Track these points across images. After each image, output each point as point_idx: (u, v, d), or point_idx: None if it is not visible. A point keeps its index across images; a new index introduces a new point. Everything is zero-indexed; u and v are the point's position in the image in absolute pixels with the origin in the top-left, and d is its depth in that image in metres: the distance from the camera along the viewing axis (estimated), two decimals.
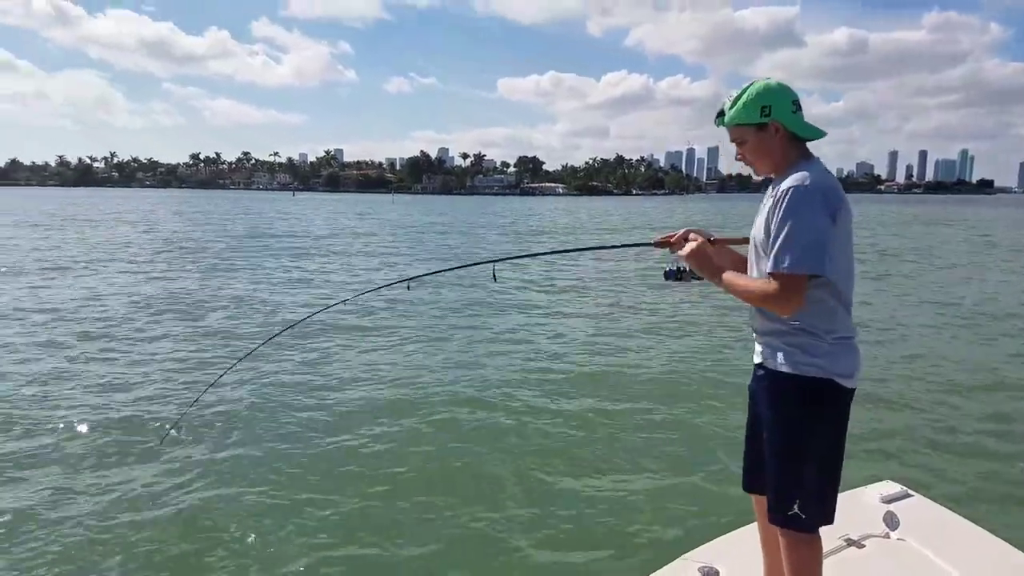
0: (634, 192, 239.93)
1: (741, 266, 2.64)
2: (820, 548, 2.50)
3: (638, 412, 7.39)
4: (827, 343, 2.37)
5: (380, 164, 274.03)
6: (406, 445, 6.32)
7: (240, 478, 5.52)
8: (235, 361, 4.04)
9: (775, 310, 2.35)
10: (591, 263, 21.26)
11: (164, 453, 5.93)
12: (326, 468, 5.74)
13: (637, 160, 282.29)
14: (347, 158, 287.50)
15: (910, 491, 3.70)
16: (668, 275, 2.73)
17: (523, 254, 4.42)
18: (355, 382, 8.18)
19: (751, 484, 2.72)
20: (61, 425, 6.69)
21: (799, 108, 2.45)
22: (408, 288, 3.55)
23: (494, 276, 3.31)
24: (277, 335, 4.82)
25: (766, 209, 2.41)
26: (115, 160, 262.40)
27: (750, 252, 2.57)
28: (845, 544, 3.18)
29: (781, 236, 2.28)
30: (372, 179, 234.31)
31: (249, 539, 4.62)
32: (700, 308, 13.65)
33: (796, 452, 2.41)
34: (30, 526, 4.79)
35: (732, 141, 2.53)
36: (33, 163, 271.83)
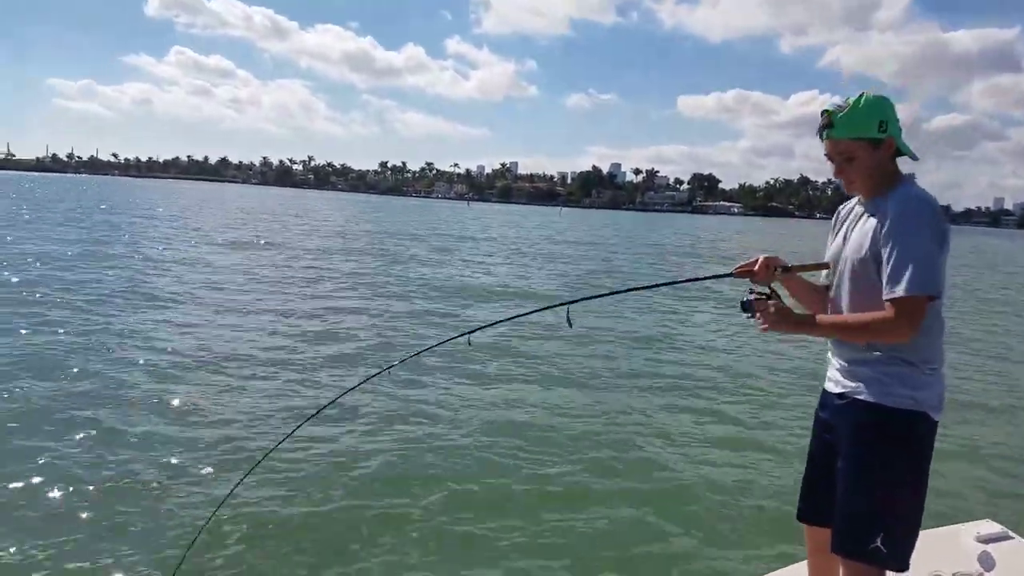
0: (817, 216, 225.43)
1: (816, 295, 2.58)
2: None
3: (709, 435, 7.26)
4: (924, 373, 2.27)
5: (552, 177, 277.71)
6: (509, 452, 6.35)
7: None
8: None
9: (895, 338, 2.21)
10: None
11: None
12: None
13: (824, 183, 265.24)
14: (521, 170, 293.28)
15: (1010, 533, 3.54)
16: (745, 306, 2.51)
17: (597, 294, 3.73)
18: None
19: (808, 514, 2.63)
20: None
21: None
22: (469, 343, 3.18)
23: (569, 322, 2.95)
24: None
25: (866, 228, 2.30)
26: (312, 164, 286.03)
27: (841, 276, 2.41)
28: None
29: (899, 257, 2.15)
30: (543, 192, 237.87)
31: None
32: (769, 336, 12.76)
33: (884, 487, 2.29)
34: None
35: (835, 155, 2.34)
36: (240, 162, 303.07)
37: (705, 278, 3.06)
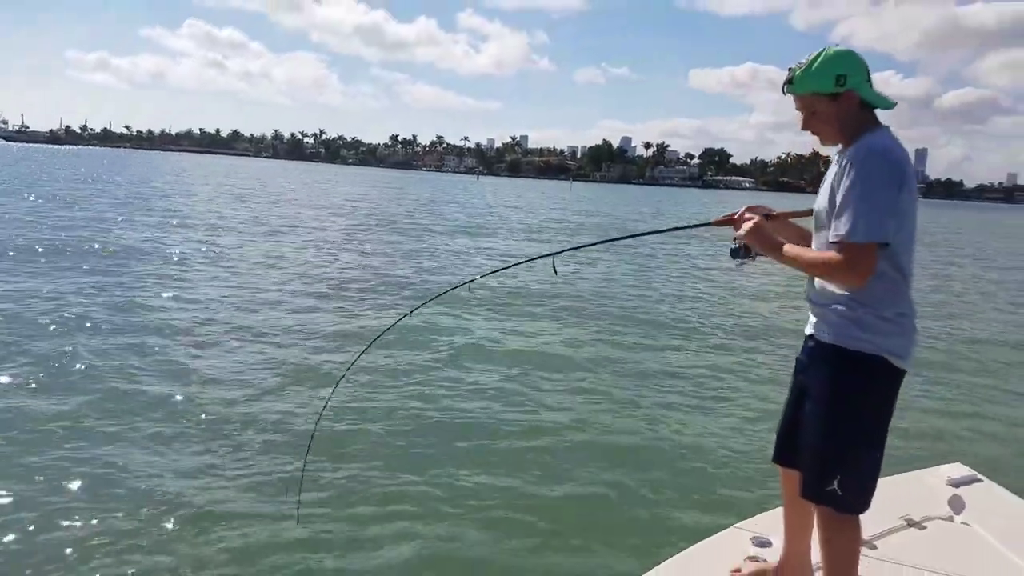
0: None
1: (805, 240, 2.57)
2: (859, 533, 2.40)
3: (693, 384, 7.36)
4: (883, 319, 2.28)
5: (562, 152, 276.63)
6: (484, 421, 6.29)
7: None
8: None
9: (843, 282, 2.27)
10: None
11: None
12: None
13: None
14: (531, 144, 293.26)
15: (979, 475, 3.52)
16: (734, 253, 2.61)
17: (584, 244, 4.05)
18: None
19: (781, 456, 2.65)
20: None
21: (870, 77, 2.35)
22: (470, 290, 3.45)
23: (555, 269, 3.29)
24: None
25: (831, 177, 2.33)
26: (323, 137, 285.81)
27: (814, 223, 2.48)
28: (905, 524, 3.04)
29: (847, 203, 2.19)
30: (552, 166, 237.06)
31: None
32: (763, 280, 13.77)
33: (841, 428, 2.33)
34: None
35: (799, 110, 2.42)
36: (252, 135, 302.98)
37: (686, 227, 3.13)
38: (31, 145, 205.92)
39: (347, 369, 3.91)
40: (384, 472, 5.21)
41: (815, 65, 2.33)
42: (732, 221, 2.66)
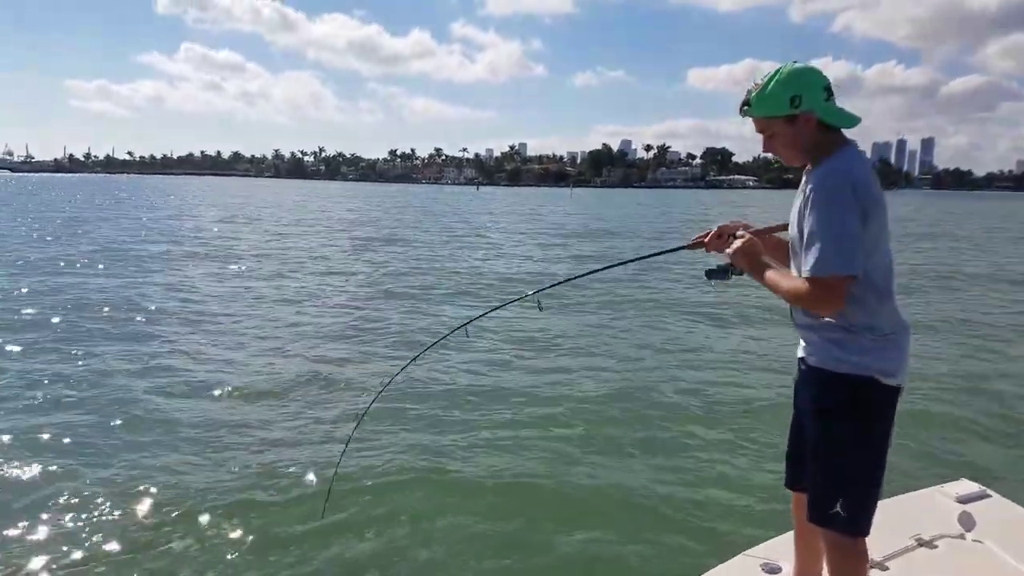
0: None
1: (783, 249, 2.51)
2: (865, 557, 2.38)
3: (698, 410, 7.28)
4: (867, 339, 2.24)
5: (561, 158, 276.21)
6: (481, 446, 6.29)
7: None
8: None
9: (818, 311, 2.25)
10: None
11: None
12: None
13: None
14: (530, 152, 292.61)
15: (988, 491, 3.49)
16: (711, 274, 2.56)
17: (559, 281, 3.72)
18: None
19: (792, 481, 2.64)
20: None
21: (831, 93, 2.26)
22: (467, 335, 3.43)
23: (539, 306, 3.22)
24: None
25: (796, 204, 2.30)
26: (323, 155, 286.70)
27: (789, 247, 2.42)
28: (916, 544, 3.00)
29: (812, 237, 2.16)
30: (552, 173, 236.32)
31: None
32: (750, 299, 13.20)
33: (838, 451, 2.29)
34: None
35: (759, 132, 2.35)
36: (252, 156, 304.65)
37: (660, 253, 3.05)
38: (36, 175, 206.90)
39: (364, 414, 4.02)
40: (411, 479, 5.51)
41: (769, 87, 2.25)
42: (703, 243, 2.61)
